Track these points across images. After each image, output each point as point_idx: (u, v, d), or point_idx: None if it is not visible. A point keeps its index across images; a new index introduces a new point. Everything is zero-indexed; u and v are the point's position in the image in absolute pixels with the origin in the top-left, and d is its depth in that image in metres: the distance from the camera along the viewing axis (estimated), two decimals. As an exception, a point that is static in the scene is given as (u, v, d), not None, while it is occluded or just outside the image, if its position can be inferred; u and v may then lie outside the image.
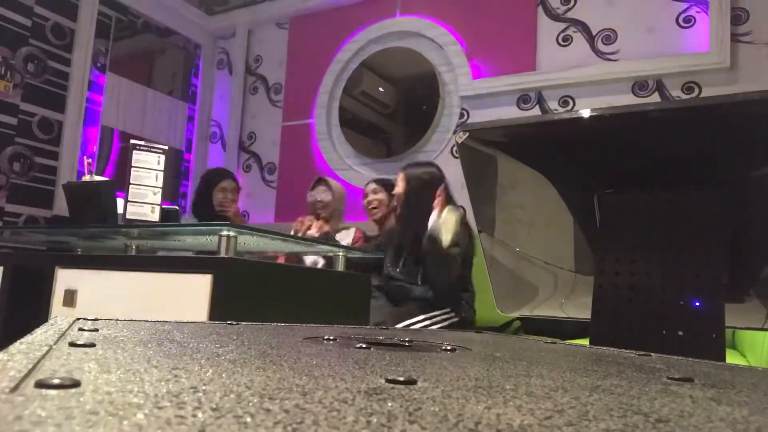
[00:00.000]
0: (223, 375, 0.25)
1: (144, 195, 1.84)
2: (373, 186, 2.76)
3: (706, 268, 0.60)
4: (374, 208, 2.71)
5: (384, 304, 2.24)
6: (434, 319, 2.17)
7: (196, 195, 3.04)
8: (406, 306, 2.23)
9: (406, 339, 0.50)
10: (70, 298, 1.62)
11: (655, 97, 2.69)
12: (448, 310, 2.21)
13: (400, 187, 2.41)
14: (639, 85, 2.74)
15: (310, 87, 3.70)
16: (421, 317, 2.16)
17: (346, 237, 2.69)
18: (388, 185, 2.71)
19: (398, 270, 2.32)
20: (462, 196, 2.93)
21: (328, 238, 2.46)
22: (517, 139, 0.72)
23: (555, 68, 2.92)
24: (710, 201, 0.62)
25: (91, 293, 1.61)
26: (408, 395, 0.22)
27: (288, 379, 0.25)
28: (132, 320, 0.51)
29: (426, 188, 2.33)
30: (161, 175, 1.87)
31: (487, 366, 0.35)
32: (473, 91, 3.12)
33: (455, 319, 2.21)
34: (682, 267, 0.61)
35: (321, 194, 2.76)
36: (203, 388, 0.22)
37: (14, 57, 3.05)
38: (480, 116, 3.11)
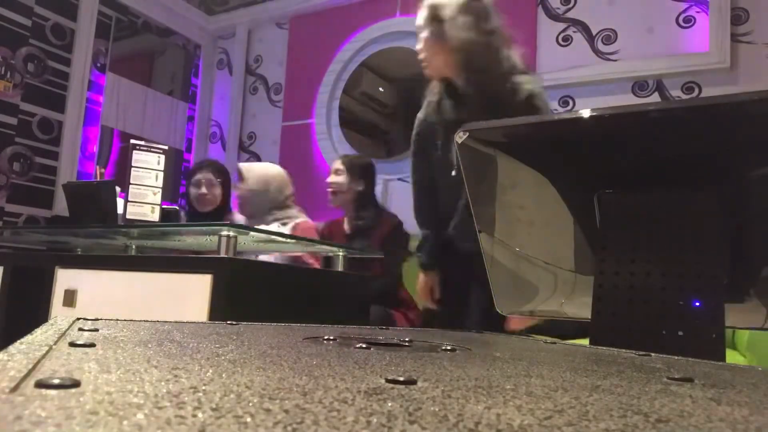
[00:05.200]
0: (223, 375, 0.25)
1: (144, 195, 1.84)
2: (337, 166, 2.48)
3: (706, 268, 0.60)
4: (332, 192, 2.46)
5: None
6: None
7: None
8: None
9: (406, 339, 0.50)
10: (70, 298, 1.62)
11: (655, 97, 2.69)
12: None
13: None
14: (639, 85, 2.74)
15: (310, 87, 3.70)
16: None
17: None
18: (355, 167, 2.47)
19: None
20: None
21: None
22: (517, 139, 0.73)
23: (555, 68, 2.92)
24: (710, 201, 0.62)
25: (91, 293, 1.61)
26: (408, 395, 0.22)
27: (288, 379, 0.25)
28: (132, 320, 0.51)
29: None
30: (161, 175, 1.87)
31: (487, 366, 0.35)
32: (473, 91, 3.12)
33: None
34: (682, 267, 0.61)
35: (240, 188, 2.38)
36: (203, 388, 0.22)
37: (14, 57, 3.05)
38: (480, 116, 3.10)
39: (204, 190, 2.46)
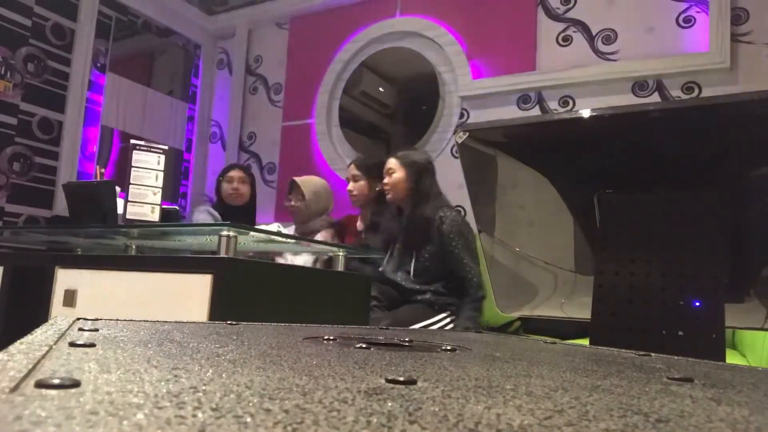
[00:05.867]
0: (223, 375, 0.25)
1: (144, 195, 1.84)
2: (353, 172, 2.63)
3: (706, 268, 0.60)
4: (354, 196, 2.64)
5: (382, 316, 2.12)
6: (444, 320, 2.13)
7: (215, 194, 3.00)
8: (404, 308, 2.17)
9: (406, 339, 0.50)
10: (70, 298, 1.62)
11: (655, 97, 2.69)
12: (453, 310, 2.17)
13: (397, 176, 2.28)
14: (639, 85, 2.74)
15: (310, 87, 3.70)
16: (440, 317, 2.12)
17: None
18: (370, 168, 2.59)
19: (410, 274, 2.20)
20: (462, 195, 2.93)
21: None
22: (517, 139, 0.72)
23: (555, 68, 2.92)
24: (710, 201, 0.62)
25: (91, 293, 1.61)
26: (408, 395, 0.22)
27: (288, 379, 0.25)
28: (132, 320, 0.51)
29: (428, 173, 2.29)
30: (161, 175, 1.87)
31: (487, 366, 0.35)
32: (473, 91, 3.12)
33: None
34: (682, 267, 0.61)
35: (293, 200, 2.72)
36: (203, 388, 0.22)
37: (14, 57, 3.05)
38: (480, 116, 3.10)
39: (236, 185, 2.81)
